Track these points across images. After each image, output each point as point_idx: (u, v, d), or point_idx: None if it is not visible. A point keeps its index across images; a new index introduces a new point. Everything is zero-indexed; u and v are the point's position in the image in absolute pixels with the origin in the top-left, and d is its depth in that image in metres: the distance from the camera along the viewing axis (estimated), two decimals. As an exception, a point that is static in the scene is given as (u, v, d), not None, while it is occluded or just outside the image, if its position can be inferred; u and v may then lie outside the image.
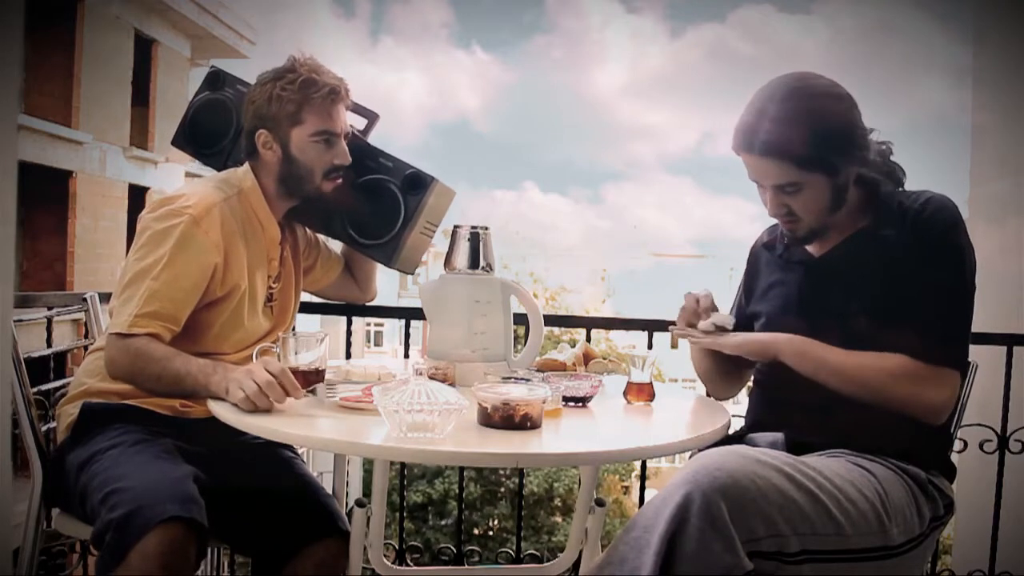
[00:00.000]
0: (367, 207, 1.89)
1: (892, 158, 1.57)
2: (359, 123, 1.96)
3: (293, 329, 1.84)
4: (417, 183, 1.89)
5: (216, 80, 2.03)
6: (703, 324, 1.60)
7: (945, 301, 1.45)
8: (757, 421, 1.60)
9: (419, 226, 1.90)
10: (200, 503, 1.44)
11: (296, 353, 1.50)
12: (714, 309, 1.63)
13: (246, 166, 1.79)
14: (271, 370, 1.41)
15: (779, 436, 1.50)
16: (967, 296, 1.47)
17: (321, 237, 2.01)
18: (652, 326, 2.24)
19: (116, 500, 1.42)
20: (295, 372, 1.46)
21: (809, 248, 1.59)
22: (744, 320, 1.69)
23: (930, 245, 1.46)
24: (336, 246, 2.06)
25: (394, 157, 1.91)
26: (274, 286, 1.81)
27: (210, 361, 1.55)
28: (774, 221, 1.62)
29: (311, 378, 1.50)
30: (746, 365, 1.70)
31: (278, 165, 1.75)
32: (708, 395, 1.81)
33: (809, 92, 1.47)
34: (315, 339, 1.52)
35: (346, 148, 1.78)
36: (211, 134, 2.00)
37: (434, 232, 1.97)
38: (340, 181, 1.80)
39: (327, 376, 1.52)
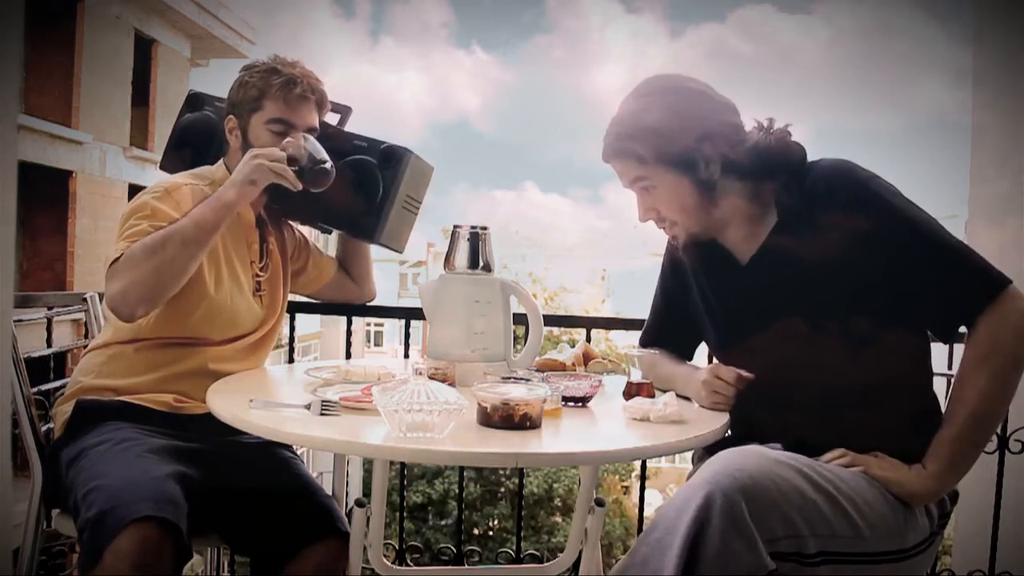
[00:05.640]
0: (349, 188, 1.92)
1: (791, 139, 1.48)
2: (342, 122, 2.01)
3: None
4: (391, 157, 1.94)
5: (196, 101, 2.08)
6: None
7: (943, 249, 1.40)
8: (756, 421, 1.59)
9: (399, 199, 1.95)
10: (179, 503, 1.42)
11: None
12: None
13: (221, 160, 1.84)
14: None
15: (777, 446, 1.47)
16: (938, 224, 1.41)
17: (311, 238, 2.04)
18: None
19: (93, 498, 1.41)
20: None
21: (734, 255, 1.55)
22: (676, 325, 1.70)
23: (872, 212, 1.40)
24: (328, 247, 2.08)
25: (367, 137, 1.97)
26: (261, 275, 1.84)
27: (202, 203, 1.64)
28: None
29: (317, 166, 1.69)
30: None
31: (239, 152, 1.77)
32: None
33: (648, 90, 1.51)
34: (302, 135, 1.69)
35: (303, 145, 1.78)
36: (197, 151, 2.01)
37: (417, 208, 2.01)
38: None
39: (325, 396, 1.46)
